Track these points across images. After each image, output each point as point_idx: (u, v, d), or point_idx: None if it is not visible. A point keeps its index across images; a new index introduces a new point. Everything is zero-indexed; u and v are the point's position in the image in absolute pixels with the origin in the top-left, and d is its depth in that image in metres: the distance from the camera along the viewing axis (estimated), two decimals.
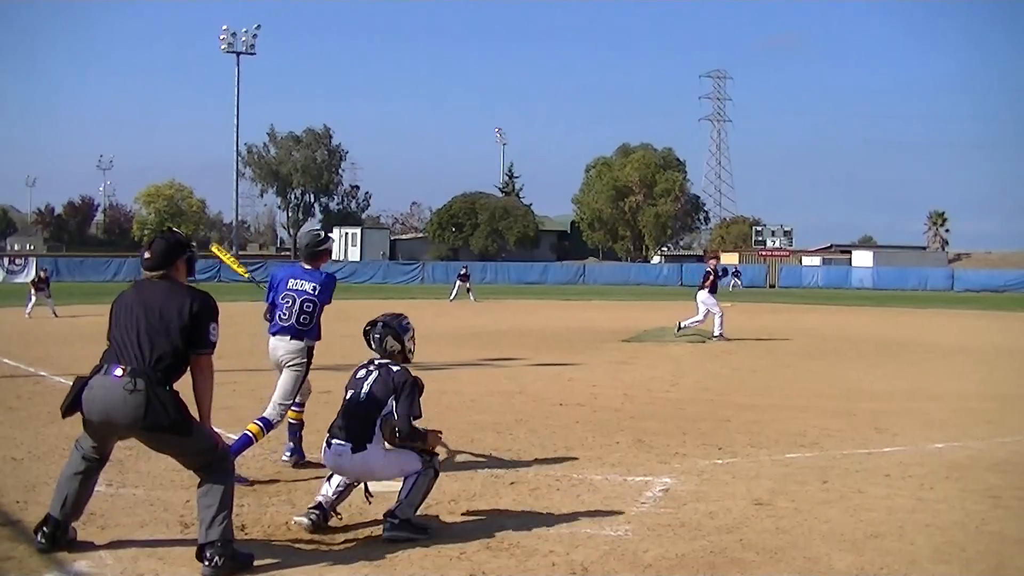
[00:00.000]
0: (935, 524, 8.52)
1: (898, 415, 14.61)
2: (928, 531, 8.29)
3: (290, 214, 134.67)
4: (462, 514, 8.64)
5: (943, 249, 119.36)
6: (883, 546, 7.85)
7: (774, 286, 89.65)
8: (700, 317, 27.57)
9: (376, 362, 8.31)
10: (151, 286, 7.38)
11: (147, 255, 7.44)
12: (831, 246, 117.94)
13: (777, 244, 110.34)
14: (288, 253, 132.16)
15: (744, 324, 33.87)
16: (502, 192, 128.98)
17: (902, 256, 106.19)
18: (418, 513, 8.01)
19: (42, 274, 38.01)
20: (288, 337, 10.10)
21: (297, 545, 7.69)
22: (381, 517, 7.92)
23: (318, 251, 10.51)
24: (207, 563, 6.89)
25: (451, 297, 52.17)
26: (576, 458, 11.08)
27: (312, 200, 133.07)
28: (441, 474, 10.03)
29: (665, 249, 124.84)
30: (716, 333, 27.30)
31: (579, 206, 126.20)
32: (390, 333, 8.38)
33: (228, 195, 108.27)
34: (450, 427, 11.48)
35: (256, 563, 7.11)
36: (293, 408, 10.45)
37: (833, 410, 14.98)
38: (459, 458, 10.92)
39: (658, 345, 25.96)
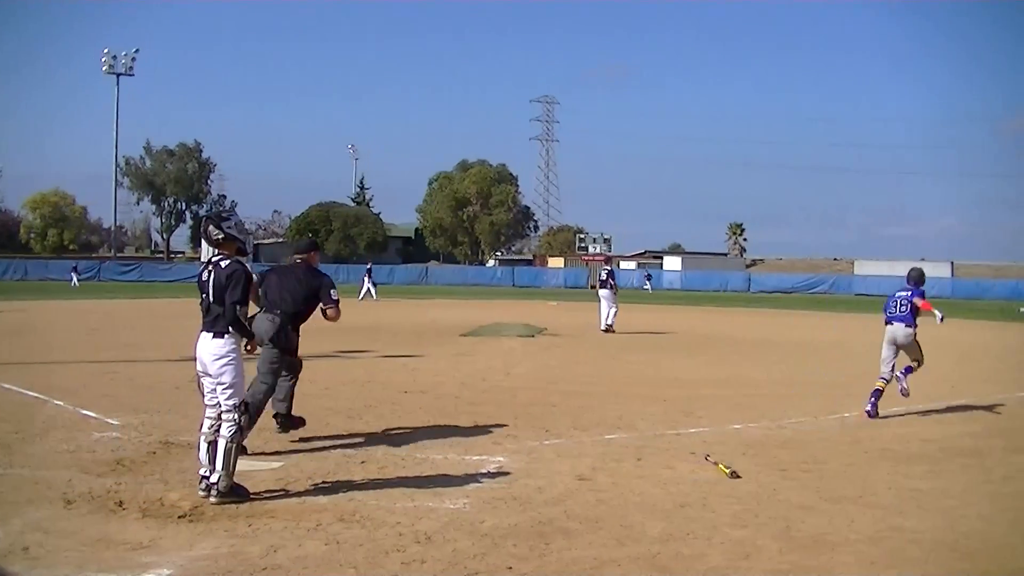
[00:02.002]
0: (733, 495, 8.76)
1: (704, 400, 14.90)
2: (727, 500, 8.52)
3: (163, 220, 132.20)
4: (318, 490, 8.59)
5: (742, 255, 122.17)
6: (689, 514, 8.04)
7: (594, 287, 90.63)
8: (615, 309, 29.20)
9: (211, 260, 8.52)
10: (295, 267, 11.04)
11: (296, 249, 11.37)
12: (645, 252, 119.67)
13: (598, 250, 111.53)
14: (161, 255, 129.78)
15: (570, 321, 34.24)
16: (354, 202, 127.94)
17: (707, 261, 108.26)
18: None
19: None
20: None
21: (170, 519, 7.57)
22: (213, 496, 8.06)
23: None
24: (279, 424, 10.88)
25: (360, 297, 48.58)
26: (420, 439, 11.07)
27: (184, 208, 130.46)
28: (299, 454, 10.04)
29: (499, 254, 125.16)
30: (605, 324, 28.91)
31: (423, 215, 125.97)
32: (211, 223, 8.54)
33: (108, 202, 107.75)
34: (306, 412, 11.40)
35: (131, 538, 7.03)
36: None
37: (648, 396, 15.20)
38: (315, 441, 10.83)
39: (493, 339, 26.03)
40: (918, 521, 8.06)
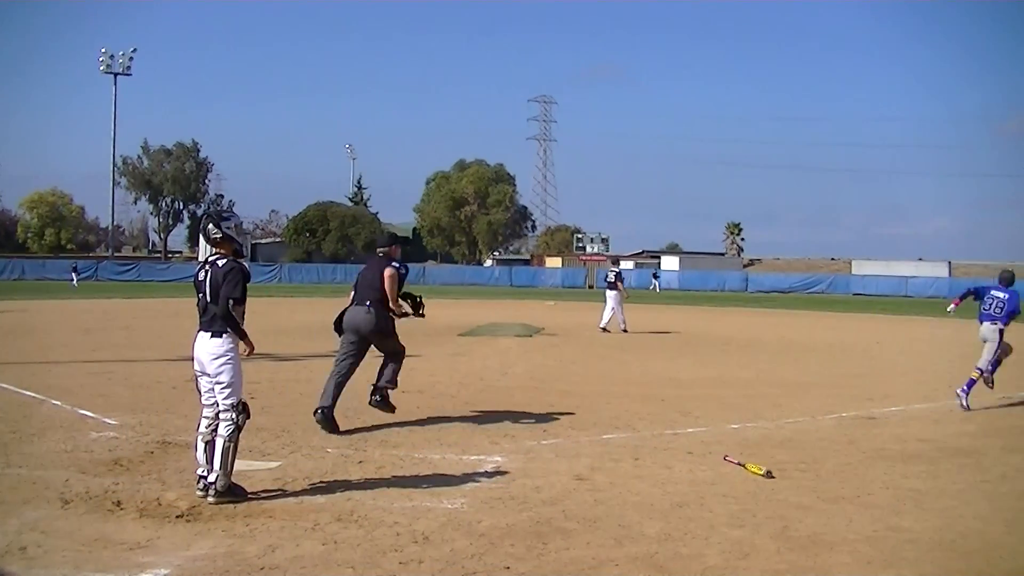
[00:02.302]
0: (731, 494, 8.76)
1: (700, 400, 14.90)
2: (725, 500, 8.52)
3: (161, 220, 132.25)
4: (316, 490, 8.57)
5: (739, 255, 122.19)
6: (687, 514, 8.04)
7: (592, 287, 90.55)
8: (618, 313, 29.23)
9: (208, 260, 8.50)
10: (380, 260, 11.99)
11: (379, 244, 12.35)
12: (643, 252, 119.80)
13: (595, 250, 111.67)
14: (159, 255, 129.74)
15: (567, 321, 34.24)
16: (352, 201, 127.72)
17: (704, 261, 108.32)
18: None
19: None
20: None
21: (167, 519, 7.55)
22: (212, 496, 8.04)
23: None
24: (377, 398, 12.06)
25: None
26: (417, 439, 11.09)
27: (181, 207, 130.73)
28: (296, 454, 10.02)
29: (496, 254, 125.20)
30: (602, 325, 29.23)
31: (420, 215, 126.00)
32: (211, 221, 8.53)
33: (105, 202, 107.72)
34: (302, 412, 11.41)
35: (128, 538, 7.02)
36: None
37: (644, 396, 15.20)
38: (313, 440, 10.83)
39: (490, 338, 26.02)
40: (915, 521, 8.05)
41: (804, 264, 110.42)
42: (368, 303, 11.66)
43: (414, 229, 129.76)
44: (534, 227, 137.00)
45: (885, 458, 10.75)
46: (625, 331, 28.72)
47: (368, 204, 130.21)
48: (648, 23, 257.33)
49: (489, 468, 9.65)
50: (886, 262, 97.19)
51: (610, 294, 29.40)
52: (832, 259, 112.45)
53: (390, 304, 11.68)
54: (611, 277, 29.87)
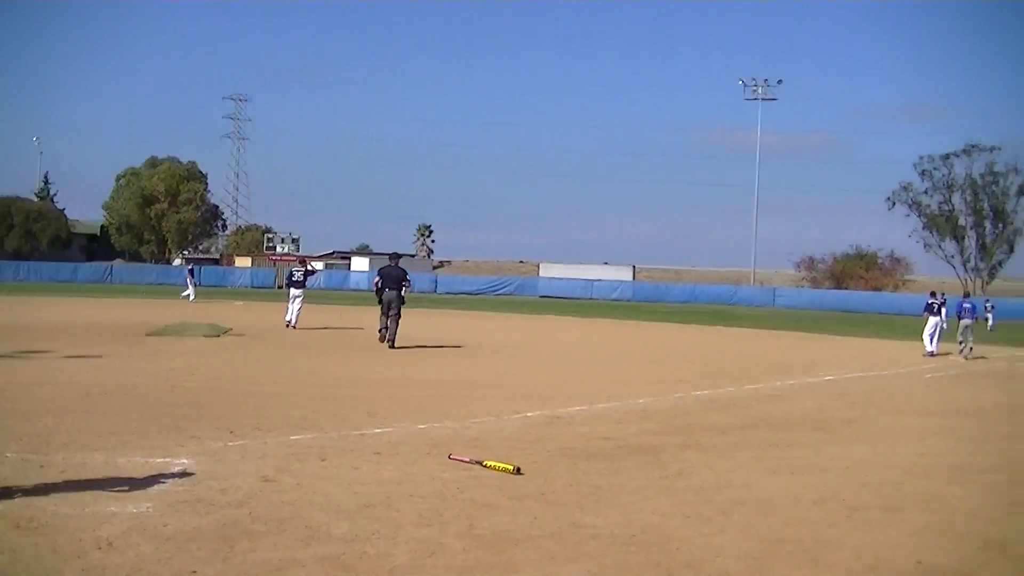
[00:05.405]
0: (417, 494, 8.90)
1: (388, 400, 15.05)
2: (412, 500, 8.65)
3: None
4: None
5: (429, 256, 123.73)
6: (374, 514, 8.11)
7: (282, 287, 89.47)
8: (299, 307, 30.83)
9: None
10: (394, 267, 26.01)
11: (391, 257, 27.34)
12: (334, 252, 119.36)
13: (286, 250, 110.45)
14: None
15: (256, 320, 33.76)
16: (38, 197, 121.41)
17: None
18: None
19: None
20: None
21: None
22: None
23: None
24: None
25: (191, 296, 48.16)
26: (102, 442, 10.64)
27: None
28: None
29: (186, 252, 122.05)
30: (289, 321, 30.61)
31: (109, 212, 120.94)
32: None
33: None
34: None
35: None
36: None
37: (332, 396, 15.23)
38: None
39: (178, 338, 25.30)
40: (597, 516, 8.38)
41: (493, 266, 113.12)
42: (394, 289, 25.00)
43: (102, 226, 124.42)
44: (225, 226, 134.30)
45: (569, 456, 11.14)
46: (294, 327, 30.16)
47: (55, 200, 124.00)
48: (342, 21, 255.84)
49: (175, 470, 9.40)
50: (573, 265, 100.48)
51: (295, 292, 30.86)
52: (521, 262, 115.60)
53: None
54: (297, 276, 31.48)
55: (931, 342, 30.50)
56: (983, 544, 8.12)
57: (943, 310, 31.30)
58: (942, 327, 30.99)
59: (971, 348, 30.62)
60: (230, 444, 10.90)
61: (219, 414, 12.98)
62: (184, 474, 9.27)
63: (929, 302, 31.70)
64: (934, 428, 14.89)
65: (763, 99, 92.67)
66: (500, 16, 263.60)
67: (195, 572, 6.48)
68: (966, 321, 30.75)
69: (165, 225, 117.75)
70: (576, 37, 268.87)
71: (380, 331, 25.21)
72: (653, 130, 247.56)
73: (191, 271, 52.71)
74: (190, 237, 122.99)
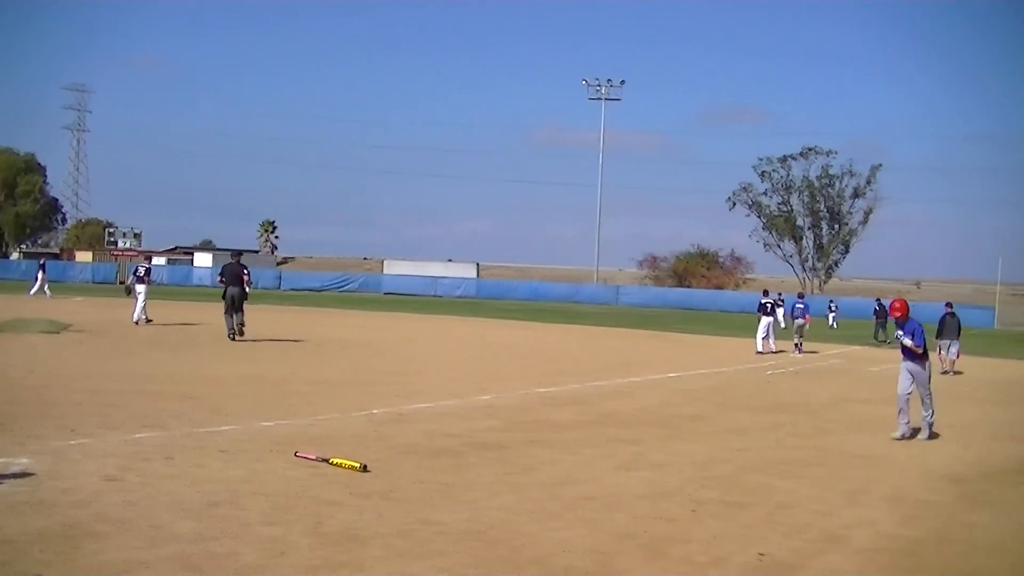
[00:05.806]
0: (263, 491, 8.89)
1: (234, 398, 14.93)
2: (257, 498, 8.64)
3: None
4: None
5: (273, 253, 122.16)
6: (220, 513, 8.08)
7: (124, 283, 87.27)
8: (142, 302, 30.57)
9: None
10: (235, 264, 26.40)
11: (232, 255, 27.57)
12: (176, 248, 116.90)
13: (128, 245, 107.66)
14: None
15: (97, 317, 32.93)
16: None
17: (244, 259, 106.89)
18: None
19: None
20: None
21: None
22: None
23: None
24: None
25: (32, 291, 46.15)
26: None
27: None
28: None
29: (24, 246, 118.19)
30: (135, 319, 30.21)
31: None
32: None
33: None
34: None
35: None
36: None
37: (177, 394, 15.00)
38: None
39: (14, 335, 24.44)
40: (444, 513, 8.50)
41: (337, 263, 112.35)
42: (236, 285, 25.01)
43: None
44: (64, 220, 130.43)
45: (415, 453, 11.26)
46: (149, 322, 30.40)
47: None
48: (188, 15, 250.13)
49: (15, 471, 9.17)
50: (417, 262, 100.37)
51: (139, 288, 30.67)
52: (365, 259, 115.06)
53: None
54: (141, 271, 31.48)
55: (761, 343, 31.39)
56: (818, 536, 8.51)
57: (777, 310, 32.24)
58: (777, 326, 31.98)
59: (800, 346, 31.76)
60: (72, 443, 10.67)
61: (60, 412, 12.68)
62: (24, 474, 9.07)
63: (762, 301, 32.41)
64: (770, 423, 15.45)
65: (606, 99, 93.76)
66: (345, 12, 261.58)
67: (39, 575, 6.38)
68: (799, 321, 31.75)
69: (2, 218, 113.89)
70: (420, 35, 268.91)
71: (228, 334, 25.14)
72: (498, 129, 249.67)
73: (42, 265, 50.57)
74: (28, 231, 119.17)
